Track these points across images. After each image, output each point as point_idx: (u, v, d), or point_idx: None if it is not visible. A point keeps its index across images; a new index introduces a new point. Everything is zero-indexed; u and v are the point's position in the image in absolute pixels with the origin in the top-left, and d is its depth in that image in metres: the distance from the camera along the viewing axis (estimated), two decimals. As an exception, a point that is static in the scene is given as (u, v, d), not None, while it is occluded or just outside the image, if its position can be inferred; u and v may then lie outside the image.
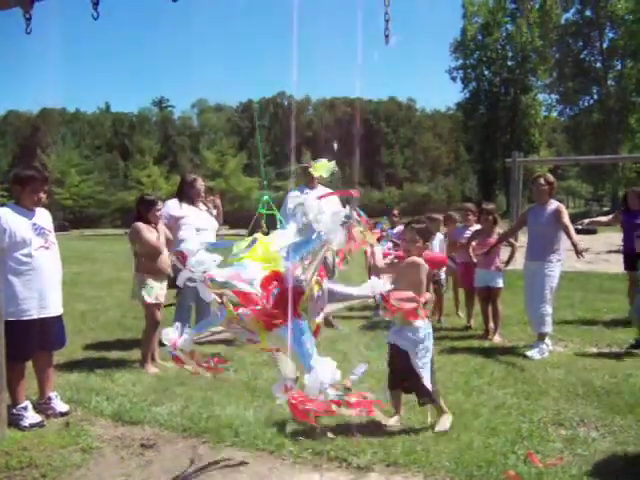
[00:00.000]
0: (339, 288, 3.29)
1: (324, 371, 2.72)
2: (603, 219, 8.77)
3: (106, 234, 38.16)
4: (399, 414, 4.17)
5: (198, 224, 6.50)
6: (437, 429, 3.95)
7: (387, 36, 3.15)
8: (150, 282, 5.48)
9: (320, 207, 2.89)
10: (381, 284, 3.27)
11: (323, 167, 3.38)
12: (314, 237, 2.92)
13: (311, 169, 3.53)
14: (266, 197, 3.50)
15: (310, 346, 2.83)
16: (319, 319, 3.12)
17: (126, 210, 45.80)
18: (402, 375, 4.09)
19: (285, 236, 3.12)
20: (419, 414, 4.20)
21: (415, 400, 4.14)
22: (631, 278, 7.91)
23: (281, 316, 2.77)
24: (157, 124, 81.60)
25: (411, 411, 4.15)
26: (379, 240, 8.04)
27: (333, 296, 3.20)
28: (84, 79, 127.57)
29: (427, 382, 3.97)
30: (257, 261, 2.96)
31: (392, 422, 4.03)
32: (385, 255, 5.11)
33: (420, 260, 4.09)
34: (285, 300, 2.73)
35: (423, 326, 3.99)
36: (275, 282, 2.84)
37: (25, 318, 4.16)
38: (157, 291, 5.53)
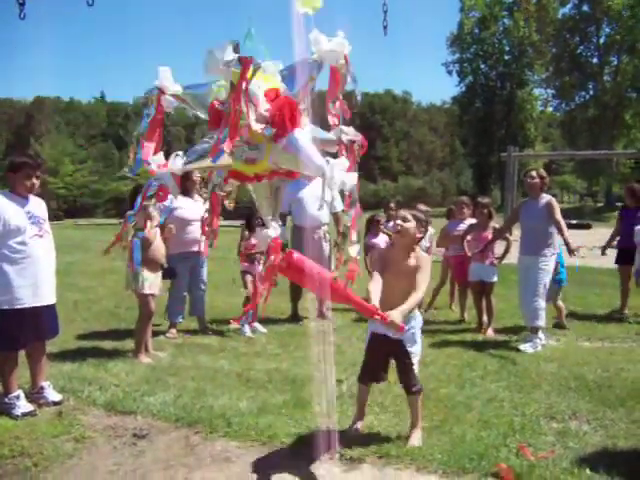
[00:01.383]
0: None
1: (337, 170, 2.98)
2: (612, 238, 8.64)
3: (100, 224, 38.00)
4: (362, 420, 3.94)
5: (191, 215, 6.47)
6: (411, 444, 3.65)
7: (385, 27, 3.14)
8: (144, 272, 5.46)
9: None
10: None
11: (309, 2, 3.24)
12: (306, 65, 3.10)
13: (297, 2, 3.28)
14: None
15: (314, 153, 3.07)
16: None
17: (120, 200, 45.59)
18: (383, 366, 3.83)
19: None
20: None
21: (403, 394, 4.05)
22: (623, 273, 7.95)
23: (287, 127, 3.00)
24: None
25: (403, 403, 4.15)
26: (376, 234, 8.09)
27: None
28: (79, 67, 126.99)
29: (417, 369, 3.79)
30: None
31: (359, 427, 3.89)
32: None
33: (425, 255, 3.89)
34: (286, 111, 2.98)
35: (415, 315, 3.79)
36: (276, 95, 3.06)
37: (18, 306, 4.14)
38: (151, 281, 5.51)
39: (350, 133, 3.55)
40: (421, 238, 3.82)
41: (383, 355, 3.82)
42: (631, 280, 7.70)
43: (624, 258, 7.87)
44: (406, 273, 3.66)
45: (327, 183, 2.96)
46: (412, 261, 3.69)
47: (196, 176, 6.64)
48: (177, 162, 3.52)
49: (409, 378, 3.75)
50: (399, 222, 3.69)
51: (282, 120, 2.96)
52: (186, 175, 6.59)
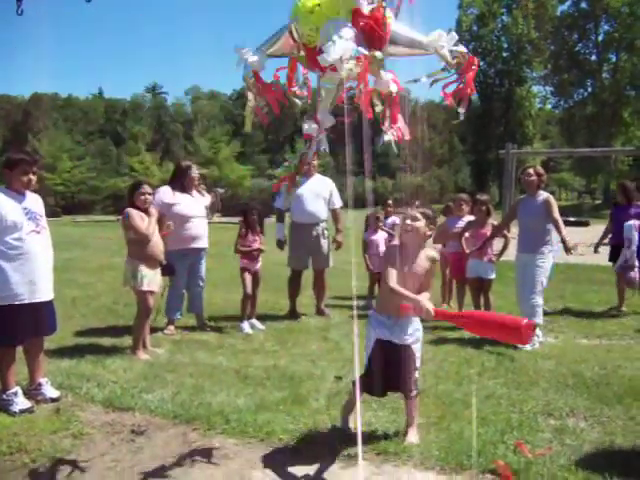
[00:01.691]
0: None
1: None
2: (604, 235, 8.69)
3: (98, 220, 38.00)
4: (351, 416, 3.88)
5: (190, 211, 6.48)
6: (409, 441, 3.63)
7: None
8: (142, 269, 5.46)
9: None
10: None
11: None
12: None
13: None
14: None
15: None
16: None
17: (118, 196, 45.64)
18: (390, 374, 3.65)
19: None
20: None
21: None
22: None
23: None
24: (150, 110, 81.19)
25: (401, 400, 4.15)
26: (375, 231, 8.09)
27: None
28: (77, 64, 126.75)
29: (418, 374, 3.75)
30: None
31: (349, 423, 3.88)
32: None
33: (436, 255, 3.86)
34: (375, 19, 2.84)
35: (417, 319, 3.71)
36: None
37: (16, 303, 4.13)
38: (149, 278, 5.51)
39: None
40: (430, 235, 3.74)
41: (387, 362, 3.64)
42: (636, 281, 7.73)
43: (617, 255, 7.90)
44: (416, 272, 3.62)
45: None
46: (422, 260, 3.64)
47: (194, 172, 6.65)
48: None
49: (409, 384, 3.65)
50: (409, 222, 3.60)
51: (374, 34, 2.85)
52: (184, 172, 6.61)
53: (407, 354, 3.61)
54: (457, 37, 2.97)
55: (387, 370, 3.63)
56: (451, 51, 3.01)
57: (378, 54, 2.84)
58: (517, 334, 3.24)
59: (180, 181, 6.57)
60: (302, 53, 3.07)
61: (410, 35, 2.98)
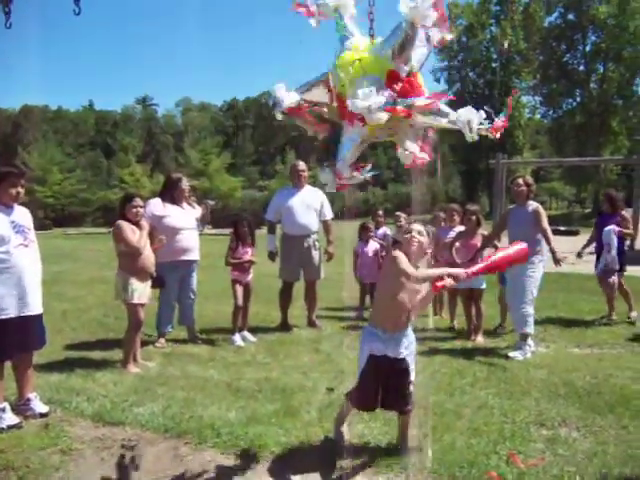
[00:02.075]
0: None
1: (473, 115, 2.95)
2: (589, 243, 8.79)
3: (89, 232, 37.84)
4: (346, 423, 3.91)
5: (180, 223, 6.46)
6: (406, 447, 3.66)
7: (372, 36, 3.14)
8: (133, 282, 5.43)
9: None
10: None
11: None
12: (397, 27, 2.94)
13: None
14: None
15: None
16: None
17: (109, 208, 45.50)
18: (384, 390, 3.62)
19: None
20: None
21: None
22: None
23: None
24: (141, 122, 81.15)
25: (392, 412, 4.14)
26: (367, 241, 8.10)
27: None
28: (67, 76, 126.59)
29: (412, 388, 3.69)
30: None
31: (346, 434, 3.88)
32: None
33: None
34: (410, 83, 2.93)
35: (411, 331, 3.69)
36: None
37: (3, 317, 4.09)
38: (140, 291, 5.48)
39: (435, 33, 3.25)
40: (428, 253, 3.76)
41: (381, 378, 3.59)
42: (616, 285, 7.80)
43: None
44: (416, 291, 3.60)
45: (468, 130, 2.97)
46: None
47: (185, 184, 6.64)
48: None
49: (405, 399, 3.62)
50: (416, 235, 3.59)
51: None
52: (175, 184, 6.59)
53: (402, 367, 3.58)
54: (484, 115, 3.00)
55: (380, 386, 3.60)
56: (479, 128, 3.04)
57: (411, 101, 2.91)
58: (524, 256, 4.10)
59: (170, 193, 6.55)
60: (335, 104, 3.16)
61: (440, 107, 3.01)
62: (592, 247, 8.45)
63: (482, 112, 2.99)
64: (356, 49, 3.07)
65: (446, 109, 3.02)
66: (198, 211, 6.81)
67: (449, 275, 3.49)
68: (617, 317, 7.82)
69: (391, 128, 3.04)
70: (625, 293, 7.94)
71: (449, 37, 3.19)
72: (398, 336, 3.57)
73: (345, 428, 3.88)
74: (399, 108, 2.80)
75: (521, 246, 4.01)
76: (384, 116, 2.77)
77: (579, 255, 8.51)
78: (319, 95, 3.23)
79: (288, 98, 3.12)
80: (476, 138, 3.01)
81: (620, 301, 7.97)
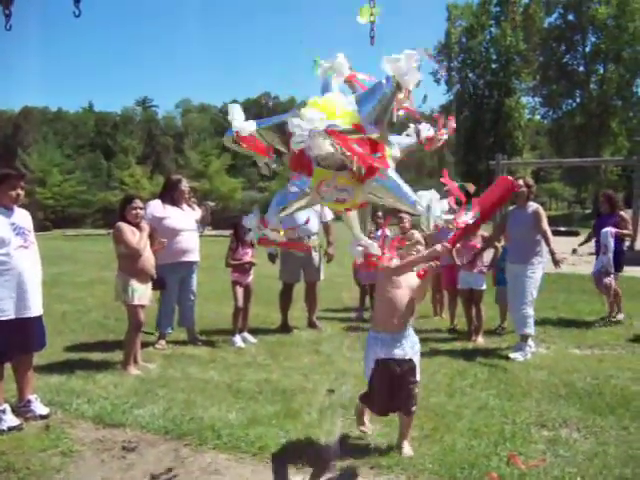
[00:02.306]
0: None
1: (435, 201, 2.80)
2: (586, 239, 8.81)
3: (88, 234, 37.83)
4: (366, 420, 3.98)
5: (180, 225, 6.46)
6: (407, 454, 3.64)
7: (372, 37, 3.14)
8: (133, 283, 5.43)
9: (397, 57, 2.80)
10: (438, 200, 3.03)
11: (367, 11, 3.09)
12: (380, 85, 2.85)
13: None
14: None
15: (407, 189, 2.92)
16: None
17: (109, 210, 45.44)
18: (392, 394, 3.67)
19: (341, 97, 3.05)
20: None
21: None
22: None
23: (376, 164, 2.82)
24: (141, 124, 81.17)
25: (392, 414, 4.14)
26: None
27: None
28: (67, 78, 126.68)
29: (416, 393, 3.75)
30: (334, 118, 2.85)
31: (368, 427, 3.93)
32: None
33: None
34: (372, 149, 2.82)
35: (413, 332, 3.75)
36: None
37: (3, 318, 4.09)
38: (140, 293, 5.48)
39: (425, 129, 3.48)
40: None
41: (390, 381, 3.64)
42: (612, 286, 7.80)
43: None
44: (410, 287, 3.67)
45: (426, 218, 2.80)
46: (414, 277, 3.70)
47: (184, 186, 6.63)
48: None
49: (411, 400, 3.68)
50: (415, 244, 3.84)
51: (368, 163, 2.79)
52: (174, 185, 6.59)
53: (409, 367, 3.64)
54: (447, 207, 2.86)
55: (389, 390, 3.65)
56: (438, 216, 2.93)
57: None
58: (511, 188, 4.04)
59: (170, 194, 6.55)
60: (288, 151, 3.10)
61: (401, 184, 2.95)
62: (592, 248, 8.46)
63: (445, 202, 2.84)
64: (327, 101, 2.95)
65: (405, 189, 2.89)
66: (198, 212, 6.81)
67: (430, 257, 3.52)
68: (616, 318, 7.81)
69: (342, 190, 2.93)
70: (615, 294, 7.89)
71: (441, 137, 3.39)
72: (400, 336, 3.62)
73: (367, 424, 3.95)
74: (337, 130, 2.66)
75: (507, 184, 3.96)
76: (326, 143, 2.65)
77: (574, 251, 8.52)
78: (272, 138, 3.14)
79: (245, 126, 3.02)
80: (431, 227, 2.82)
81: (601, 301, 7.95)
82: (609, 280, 7.69)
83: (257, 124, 3.06)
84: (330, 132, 2.63)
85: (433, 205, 2.77)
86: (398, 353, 3.60)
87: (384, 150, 2.97)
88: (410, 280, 3.67)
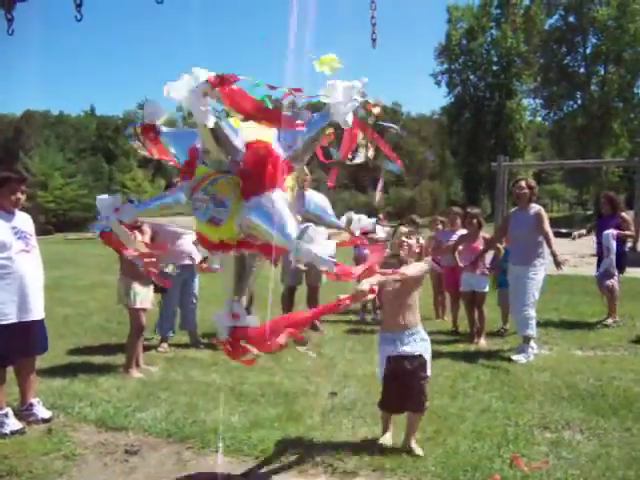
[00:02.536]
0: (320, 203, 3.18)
1: (317, 240, 2.54)
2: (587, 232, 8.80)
3: (90, 237, 37.83)
4: (390, 431, 3.95)
5: (181, 228, 6.43)
6: (418, 453, 3.69)
7: (374, 40, 3.15)
8: (135, 287, 5.43)
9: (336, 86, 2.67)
10: (367, 222, 3.16)
11: (328, 62, 2.81)
12: (316, 118, 2.72)
13: (315, 62, 2.86)
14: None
15: (288, 220, 2.62)
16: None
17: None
18: (404, 390, 3.74)
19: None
20: (405, 418, 4.17)
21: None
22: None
23: (263, 184, 2.59)
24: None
25: (396, 416, 4.13)
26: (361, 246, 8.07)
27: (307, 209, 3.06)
28: (68, 82, 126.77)
29: (427, 389, 3.82)
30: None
31: (387, 439, 3.91)
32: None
33: (423, 266, 3.93)
34: (271, 169, 2.59)
35: (421, 327, 3.83)
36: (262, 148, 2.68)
37: (5, 322, 4.10)
38: (143, 296, 5.48)
39: (366, 224, 3.30)
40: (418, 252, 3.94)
41: (401, 377, 3.72)
42: (615, 288, 7.77)
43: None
44: (406, 287, 3.73)
45: (293, 258, 2.57)
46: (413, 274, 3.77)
47: None
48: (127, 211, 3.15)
49: (420, 397, 3.75)
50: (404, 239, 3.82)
51: (258, 174, 2.61)
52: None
53: (418, 363, 3.72)
54: (332, 251, 2.71)
55: (400, 387, 3.73)
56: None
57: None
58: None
59: None
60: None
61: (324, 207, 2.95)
62: (593, 249, 8.44)
63: (332, 244, 2.67)
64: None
65: (290, 227, 2.61)
66: None
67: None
68: (619, 318, 7.78)
69: (219, 204, 2.70)
70: (612, 297, 7.80)
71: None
72: (408, 333, 3.73)
73: (387, 436, 3.91)
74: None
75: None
76: (211, 118, 2.56)
77: (572, 238, 8.46)
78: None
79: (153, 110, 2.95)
80: (301, 265, 2.62)
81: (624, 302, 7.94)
82: (611, 282, 7.64)
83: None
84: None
85: (315, 250, 2.55)
86: (407, 350, 3.70)
87: (286, 175, 2.77)
88: (409, 280, 3.71)
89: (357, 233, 3.32)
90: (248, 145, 2.74)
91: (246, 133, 2.81)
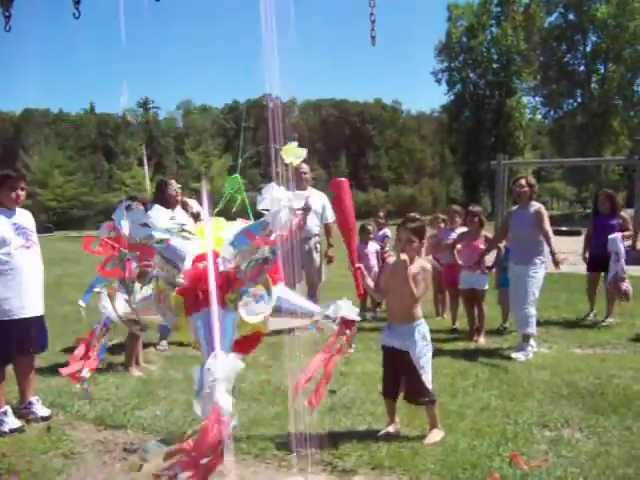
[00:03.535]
0: (292, 300, 3.08)
1: (221, 364, 2.52)
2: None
3: (91, 235, 37.84)
4: (394, 422, 4.04)
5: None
6: (427, 441, 3.82)
7: (373, 37, 3.14)
8: (135, 285, 5.41)
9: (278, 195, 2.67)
10: (349, 308, 3.20)
11: (292, 152, 2.91)
12: (258, 223, 2.71)
13: (281, 153, 2.93)
14: (235, 176, 3.23)
15: (221, 340, 2.65)
16: (256, 321, 2.75)
17: (110, 212, 45.40)
18: (400, 379, 3.96)
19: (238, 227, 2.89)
20: (405, 416, 4.18)
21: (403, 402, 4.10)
22: (593, 280, 8.01)
23: (204, 299, 2.59)
24: (142, 125, 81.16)
25: (397, 413, 4.13)
26: (366, 243, 8.07)
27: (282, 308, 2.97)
28: (68, 79, 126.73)
29: (428, 381, 3.92)
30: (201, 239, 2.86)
31: (391, 430, 3.97)
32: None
33: (428, 265, 4.07)
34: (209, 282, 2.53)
35: (421, 322, 3.95)
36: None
37: (5, 319, 4.10)
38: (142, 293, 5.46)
39: (347, 311, 3.34)
40: (421, 247, 4.20)
41: (396, 367, 3.96)
42: (599, 286, 7.80)
43: (597, 266, 7.92)
44: (406, 282, 3.85)
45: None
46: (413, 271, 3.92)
47: (173, 189, 6.51)
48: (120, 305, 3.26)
49: (417, 391, 3.90)
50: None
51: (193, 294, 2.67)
52: (161, 189, 6.54)
53: (408, 359, 3.86)
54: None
55: (393, 374, 3.98)
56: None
57: None
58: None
59: (161, 199, 6.46)
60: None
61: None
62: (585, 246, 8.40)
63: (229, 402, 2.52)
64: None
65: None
66: (197, 207, 6.66)
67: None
68: (619, 319, 7.76)
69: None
70: (612, 298, 7.81)
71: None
72: (401, 328, 3.91)
73: (389, 428, 4.01)
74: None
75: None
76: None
77: (585, 259, 8.41)
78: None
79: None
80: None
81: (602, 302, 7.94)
82: (626, 285, 7.47)
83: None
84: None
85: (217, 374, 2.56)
86: (398, 343, 3.91)
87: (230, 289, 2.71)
88: (404, 275, 3.83)
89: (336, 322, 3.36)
90: (193, 261, 2.77)
91: (194, 246, 2.86)
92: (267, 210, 2.67)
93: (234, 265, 2.69)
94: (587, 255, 8.27)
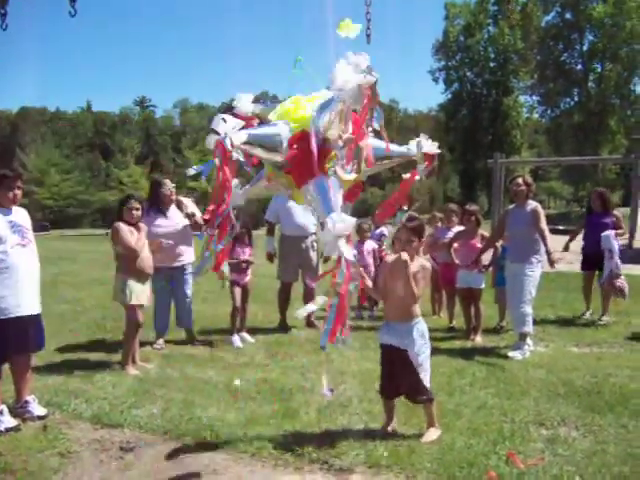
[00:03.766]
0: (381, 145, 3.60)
1: (339, 224, 3.01)
2: (573, 235, 8.78)
3: (87, 234, 37.81)
4: (392, 420, 4.03)
5: (162, 231, 6.27)
6: (424, 440, 3.81)
7: (369, 35, 3.14)
8: (131, 283, 5.41)
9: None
10: (430, 145, 3.90)
11: (349, 27, 3.09)
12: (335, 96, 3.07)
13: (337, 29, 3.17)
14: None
15: (334, 200, 3.16)
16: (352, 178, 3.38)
17: (107, 210, 45.45)
18: (398, 378, 3.92)
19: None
20: (402, 415, 4.18)
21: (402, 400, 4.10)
22: (588, 278, 8.04)
23: (306, 173, 3.11)
24: (139, 124, 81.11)
25: (395, 412, 4.13)
26: (363, 241, 8.07)
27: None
28: (65, 78, 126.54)
29: (427, 380, 3.90)
30: (290, 121, 3.26)
31: (388, 429, 3.98)
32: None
33: (428, 264, 4.04)
34: (309, 158, 3.03)
35: (420, 320, 3.93)
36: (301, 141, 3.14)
37: (1, 317, 4.08)
38: (138, 293, 5.47)
39: (427, 146, 3.97)
40: (420, 246, 4.16)
41: (394, 366, 3.94)
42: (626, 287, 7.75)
43: (590, 264, 7.95)
44: (404, 280, 3.85)
45: (321, 233, 3.12)
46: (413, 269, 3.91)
47: (167, 189, 6.48)
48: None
49: (414, 389, 3.89)
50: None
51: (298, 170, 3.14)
52: (155, 189, 6.51)
53: (405, 357, 3.85)
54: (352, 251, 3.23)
55: (390, 373, 3.96)
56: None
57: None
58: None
59: (155, 199, 6.43)
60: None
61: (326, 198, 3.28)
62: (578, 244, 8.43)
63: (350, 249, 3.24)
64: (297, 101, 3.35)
65: (327, 204, 3.21)
66: (192, 207, 6.64)
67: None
68: (615, 318, 7.78)
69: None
70: (607, 296, 7.84)
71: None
72: (400, 327, 3.88)
73: (389, 427, 4.01)
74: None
75: None
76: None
77: (566, 249, 8.47)
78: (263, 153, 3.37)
79: (236, 136, 3.12)
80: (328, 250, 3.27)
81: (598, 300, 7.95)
82: (621, 282, 7.50)
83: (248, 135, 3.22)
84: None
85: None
86: (395, 341, 3.89)
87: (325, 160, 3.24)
88: (404, 273, 3.81)
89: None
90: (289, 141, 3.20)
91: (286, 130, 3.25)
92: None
93: (323, 137, 3.15)
94: (572, 242, 8.38)
